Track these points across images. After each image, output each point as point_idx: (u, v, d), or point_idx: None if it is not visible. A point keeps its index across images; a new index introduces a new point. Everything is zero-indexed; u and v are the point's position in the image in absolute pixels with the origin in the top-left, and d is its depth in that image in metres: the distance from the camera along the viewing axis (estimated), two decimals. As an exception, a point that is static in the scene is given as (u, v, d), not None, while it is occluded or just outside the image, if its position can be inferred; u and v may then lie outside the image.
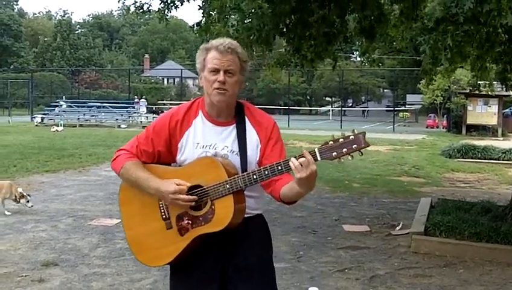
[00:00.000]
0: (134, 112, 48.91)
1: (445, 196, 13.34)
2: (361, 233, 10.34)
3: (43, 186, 14.58)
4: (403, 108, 67.38)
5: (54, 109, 47.95)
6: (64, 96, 58.12)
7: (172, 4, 10.94)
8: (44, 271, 7.77)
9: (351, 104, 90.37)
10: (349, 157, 3.36)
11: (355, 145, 3.33)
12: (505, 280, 7.89)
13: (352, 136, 3.34)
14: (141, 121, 45.97)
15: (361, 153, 3.37)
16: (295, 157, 3.37)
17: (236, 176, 3.55)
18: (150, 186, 3.65)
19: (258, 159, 3.72)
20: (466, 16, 7.25)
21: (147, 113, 52.38)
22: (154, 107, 56.17)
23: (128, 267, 8.01)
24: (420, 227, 9.71)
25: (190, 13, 54.85)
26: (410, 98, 73.66)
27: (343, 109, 59.51)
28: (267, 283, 3.87)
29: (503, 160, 22.08)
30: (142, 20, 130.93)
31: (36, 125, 40.95)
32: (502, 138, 36.43)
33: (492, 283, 7.75)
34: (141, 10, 11.38)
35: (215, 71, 3.61)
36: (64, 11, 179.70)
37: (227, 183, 3.51)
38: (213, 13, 10.15)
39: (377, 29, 10.50)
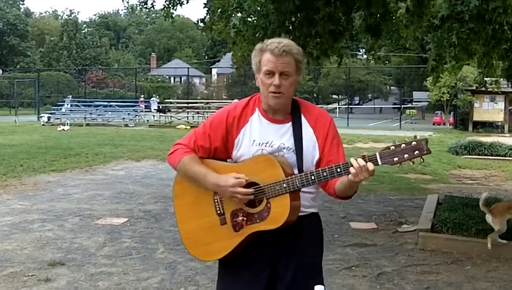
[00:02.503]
0: (141, 111, 48.91)
1: (452, 193, 13.32)
2: (368, 230, 10.33)
3: (50, 186, 14.58)
4: (409, 105, 67.33)
5: (61, 108, 48.07)
6: (71, 96, 58.09)
7: (177, 1, 10.95)
8: (51, 271, 7.77)
9: (357, 102, 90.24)
10: (411, 163, 3.42)
11: (417, 152, 3.38)
12: (512, 276, 7.89)
13: (414, 142, 3.38)
14: (148, 120, 45.94)
15: (423, 159, 3.42)
16: (355, 159, 3.41)
17: (293, 175, 3.56)
18: (207, 181, 3.67)
19: (317, 157, 3.73)
20: (471, 13, 7.24)
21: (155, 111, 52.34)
22: (161, 106, 56.20)
23: (135, 266, 8.01)
24: (427, 224, 9.71)
25: (197, 12, 54.92)
26: (416, 95, 73.59)
27: (349, 106, 59.38)
28: (315, 284, 3.86)
29: (510, 156, 22.06)
30: (148, 19, 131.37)
31: (43, 125, 40.99)
32: (508, 135, 36.37)
33: (499, 279, 7.74)
34: (145, 6, 11.40)
35: (271, 74, 3.61)
36: (70, 10, 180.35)
37: (284, 183, 3.52)
38: (217, 11, 10.16)
39: (383, 26, 10.48)
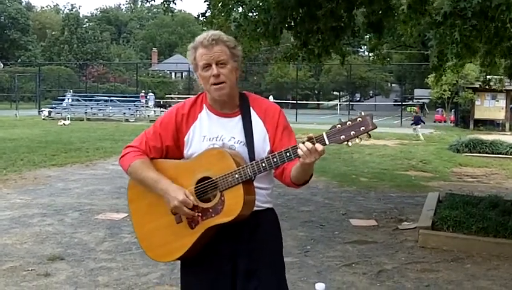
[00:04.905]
0: (142, 106, 48.90)
1: (452, 191, 13.29)
2: (369, 227, 10.32)
3: (50, 180, 14.57)
4: (410, 102, 67.27)
5: (61, 103, 48.03)
6: (71, 90, 58.06)
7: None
8: (50, 265, 7.76)
9: (358, 99, 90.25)
10: (357, 140, 3.36)
11: (363, 128, 3.33)
12: (513, 275, 7.87)
13: (359, 119, 3.34)
14: (149, 115, 45.93)
15: (369, 135, 3.37)
16: (302, 142, 3.40)
17: (245, 165, 3.53)
18: (158, 188, 3.64)
19: (268, 149, 3.71)
20: (474, 10, 7.21)
21: (154, 107, 52.30)
22: (161, 101, 56.16)
23: (134, 262, 7.99)
24: (427, 222, 9.69)
25: (198, 7, 54.82)
26: (418, 92, 73.51)
27: (351, 103, 59.40)
28: (277, 278, 3.85)
29: (510, 154, 22.06)
30: (150, 14, 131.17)
31: (43, 119, 41.04)
32: (509, 133, 36.43)
33: (499, 277, 7.73)
34: (147, 0, 11.40)
35: (207, 66, 3.63)
36: (72, 4, 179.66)
37: (236, 173, 3.50)
38: (217, 5, 10.13)
39: (385, 23, 10.44)
